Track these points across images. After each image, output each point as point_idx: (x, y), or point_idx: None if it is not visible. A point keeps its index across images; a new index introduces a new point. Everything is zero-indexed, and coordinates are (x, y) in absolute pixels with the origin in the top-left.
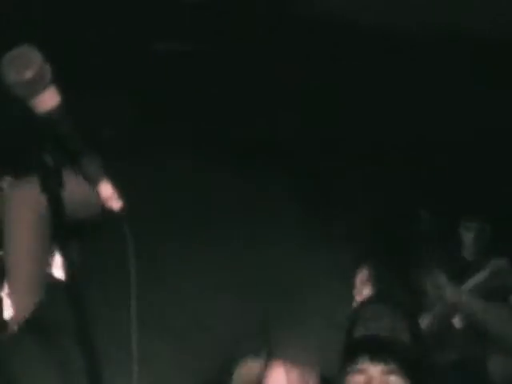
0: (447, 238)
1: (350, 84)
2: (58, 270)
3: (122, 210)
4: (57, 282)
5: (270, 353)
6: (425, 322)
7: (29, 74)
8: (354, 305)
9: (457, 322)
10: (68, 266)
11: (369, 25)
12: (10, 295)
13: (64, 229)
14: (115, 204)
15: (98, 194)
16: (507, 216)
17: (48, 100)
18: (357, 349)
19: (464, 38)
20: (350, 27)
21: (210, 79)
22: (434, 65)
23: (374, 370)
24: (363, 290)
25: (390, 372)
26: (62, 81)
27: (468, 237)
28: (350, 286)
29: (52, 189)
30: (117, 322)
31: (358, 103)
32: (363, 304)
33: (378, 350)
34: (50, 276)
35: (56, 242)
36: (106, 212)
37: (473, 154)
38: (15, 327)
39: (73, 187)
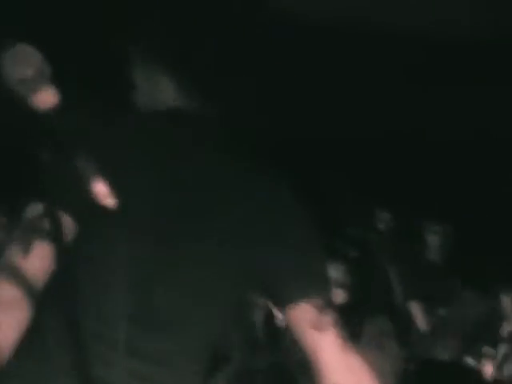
0: (407, 238)
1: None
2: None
3: (116, 207)
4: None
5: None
6: None
7: (29, 72)
8: None
9: None
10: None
11: (368, 26)
12: None
13: (59, 228)
14: (109, 201)
15: (92, 192)
16: (469, 218)
17: (47, 98)
18: None
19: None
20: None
21: None
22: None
23: None
24: None
25: None
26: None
27: (433, 239)
28: None
29: (49, 184)
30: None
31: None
32: None
33: None
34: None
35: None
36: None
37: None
38: None
39: None
